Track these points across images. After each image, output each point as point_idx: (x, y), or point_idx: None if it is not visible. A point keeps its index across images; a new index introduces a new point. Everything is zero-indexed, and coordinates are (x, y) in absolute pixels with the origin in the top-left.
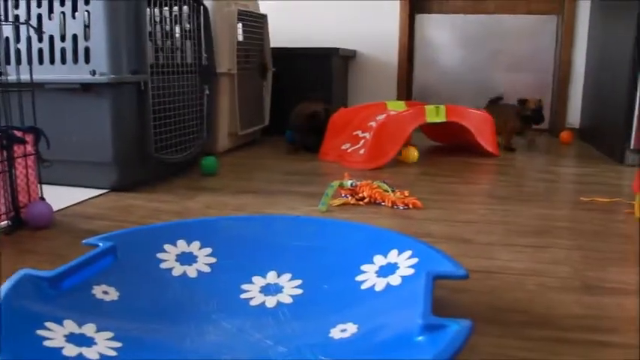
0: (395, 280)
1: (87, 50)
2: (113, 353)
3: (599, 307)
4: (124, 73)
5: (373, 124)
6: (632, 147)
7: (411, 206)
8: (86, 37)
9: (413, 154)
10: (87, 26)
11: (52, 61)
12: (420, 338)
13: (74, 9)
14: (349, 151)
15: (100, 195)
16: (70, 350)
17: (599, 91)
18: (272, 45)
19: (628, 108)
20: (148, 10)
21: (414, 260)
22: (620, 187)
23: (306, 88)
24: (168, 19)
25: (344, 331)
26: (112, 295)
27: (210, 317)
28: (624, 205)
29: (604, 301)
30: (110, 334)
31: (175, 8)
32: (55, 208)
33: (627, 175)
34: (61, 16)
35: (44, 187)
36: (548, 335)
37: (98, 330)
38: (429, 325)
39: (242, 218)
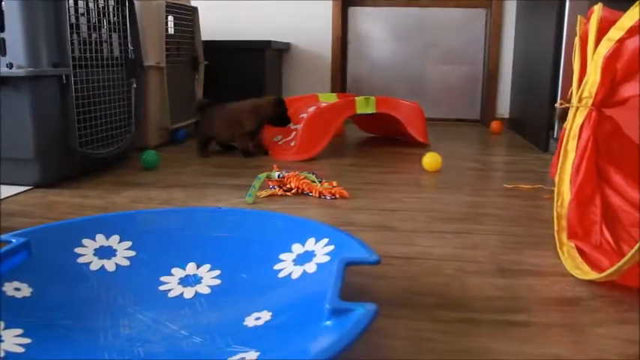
0: (311, 267)
1: (2, 42)
2: (21, 350)
3: (511, 289)
4: (43, 66)
5: (304, 116)
6: (555, 136)
7: (337, 196)
8: (1, 28)
9: (436, 159)
10: (1, 16)
11: None
12: (328, 322)
13: None
14: (280, 143)
15: (23, 192)
16: None
17: (526, 82)
18: (205, 38)
19: (551, 98)
20: (72, 1)
21: (330, 248)
22: (544, 175)
23: (240, 81)
24: (94, 12)
25: (258, 319)
26: (25, 291)
27: (127, 310)
28: (545, 191)
29: (516, 283)
30: (19, 331)
31: (102, 0)
32: None
33: (550, 163)
34: None
35: None
36: (461, 317)
37: (6, 327)
38: (336, 309)
39: (163, 211)
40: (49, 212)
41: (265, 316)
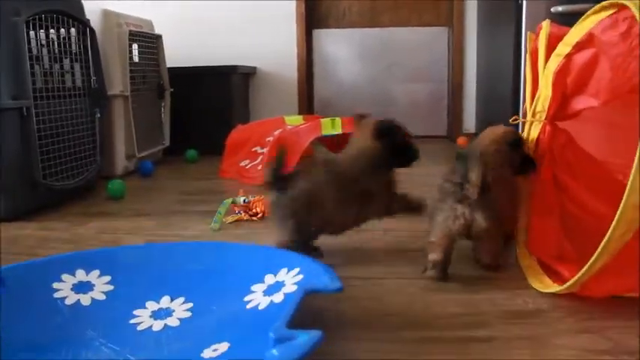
0: (278, 297)
1: None
2: None
3: (473, 305)
4: (2, 99)
5: (270, 139)
6: None
7: None
8: None
9: None
10: None
11: None
12: (274, 351)
13: None
14: (248, 167)
15: None
16: None
17: (489, 98)
18: (170, 65)
19: (513, 112)
20: (33, 33)
21: (300, 277)
22: None
23: (207, 107)
24: (56, 42)
25: (215, 350)
26: None
27: (93, 344)
28: None
29: (479, 297)
30: None
31: (63, 31)
32: None
33: None
34: None
35: None
36: (422, 335)
37: None
38: (281, 337)
39: (143, 246)
40: (12, 247)
41: (223, 347)
